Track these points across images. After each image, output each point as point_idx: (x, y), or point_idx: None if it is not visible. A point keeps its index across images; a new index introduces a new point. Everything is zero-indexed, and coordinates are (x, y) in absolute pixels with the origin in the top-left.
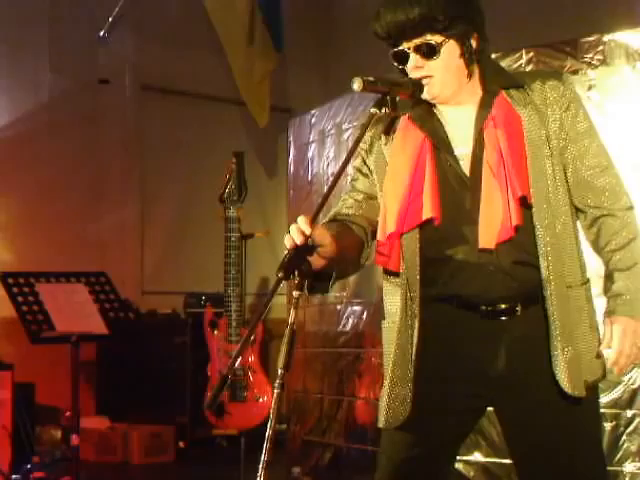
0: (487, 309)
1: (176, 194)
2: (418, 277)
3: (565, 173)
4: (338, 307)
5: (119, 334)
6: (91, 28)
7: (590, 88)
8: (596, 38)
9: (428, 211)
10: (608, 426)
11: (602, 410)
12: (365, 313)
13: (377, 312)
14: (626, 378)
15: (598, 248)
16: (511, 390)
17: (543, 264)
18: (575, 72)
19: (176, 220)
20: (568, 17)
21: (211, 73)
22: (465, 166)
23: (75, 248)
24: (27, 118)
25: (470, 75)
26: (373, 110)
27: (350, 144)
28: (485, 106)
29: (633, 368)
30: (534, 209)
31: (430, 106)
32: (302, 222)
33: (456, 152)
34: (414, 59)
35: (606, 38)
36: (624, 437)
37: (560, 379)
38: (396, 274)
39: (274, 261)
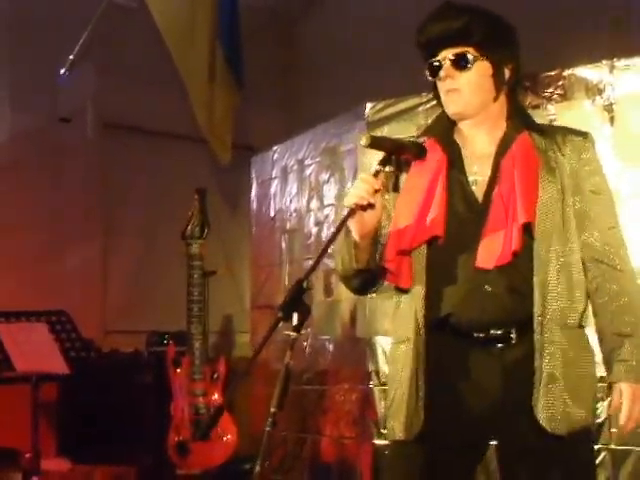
0: (480, 336)
1: (138, 232)
2: (423, 293)
3: (573, 225)
4: (303, 343)
5: (81, 374)
6: (52, 66)
7: (550, 123)
8: (556, 73)
9: (433, 228)
10: None
11: None
12: (331, 349)
13: (341, 349)
14: None
15: (596, 307)
16: (502, 424)
17: (537, 296)
18: (536, 107)
19: (138, 258)
20: (528, 52)
21: (174, 111)
22: (478, 192)
23: (35, 287)
24: None
25: (496, 100)
26: (378, 167)
27: (313, 180)
28: (507, 141)
29: None
30: (535, 241)
31: (452, 131)
32: (368, 179)
33: (470, 177)
34: (447, 68)
35: (566, 73)
36: None
37: (540, 416)
38: (406, 291)
39: (237, 298)
